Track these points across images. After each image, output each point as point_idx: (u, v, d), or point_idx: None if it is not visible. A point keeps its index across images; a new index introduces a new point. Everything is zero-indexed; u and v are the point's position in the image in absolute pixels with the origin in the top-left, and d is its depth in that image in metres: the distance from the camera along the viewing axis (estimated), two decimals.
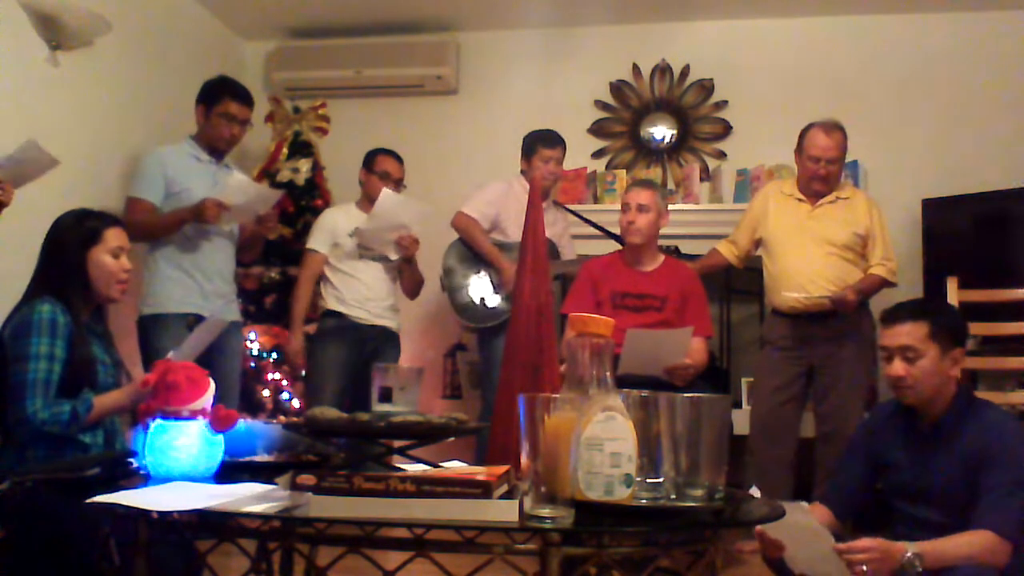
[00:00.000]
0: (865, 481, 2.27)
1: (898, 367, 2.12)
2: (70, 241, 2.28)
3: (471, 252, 3.94)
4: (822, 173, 3.48)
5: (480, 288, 3.90)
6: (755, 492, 1.72)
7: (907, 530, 2.07)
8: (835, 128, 3.50)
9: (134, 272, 2.43)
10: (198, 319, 3.24)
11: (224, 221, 3.39)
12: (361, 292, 3.85)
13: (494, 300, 3.88)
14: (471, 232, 3.91)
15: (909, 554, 1.88)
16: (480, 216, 3.91)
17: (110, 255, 2.30)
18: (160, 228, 3.37)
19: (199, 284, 3.42)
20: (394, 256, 3.86)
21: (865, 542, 1.88)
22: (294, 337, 3.89)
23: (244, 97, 3.54)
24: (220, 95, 3.47)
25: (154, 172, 3.40)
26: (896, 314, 2.18)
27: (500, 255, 3.86)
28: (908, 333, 2.12)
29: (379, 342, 3.87)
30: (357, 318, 3.84)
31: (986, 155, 4.33)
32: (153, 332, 3.31)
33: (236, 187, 3.40)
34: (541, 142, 3.91)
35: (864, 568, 1.86)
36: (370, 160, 3.96)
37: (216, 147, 3.51)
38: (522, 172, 3.99)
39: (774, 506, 1.58)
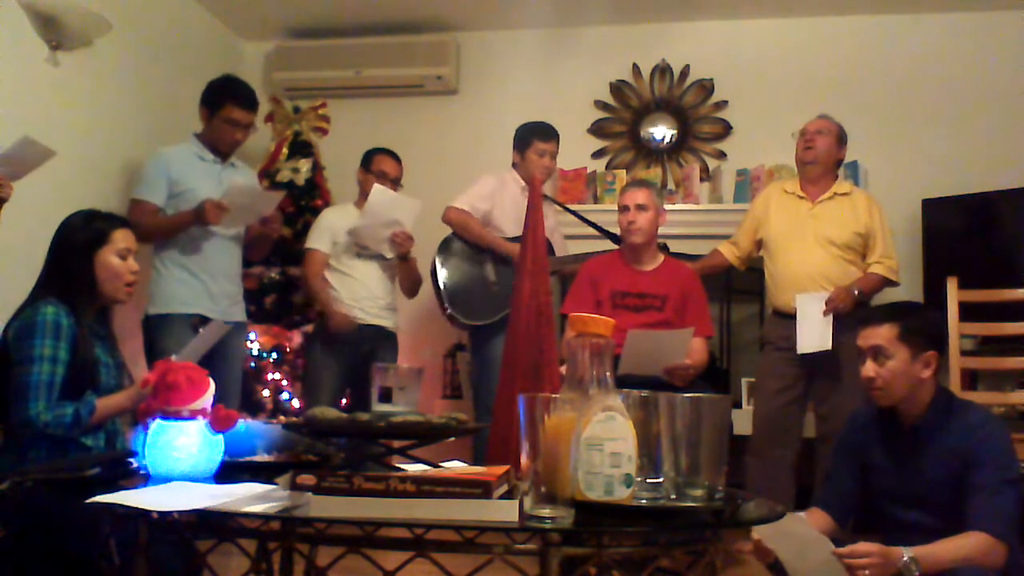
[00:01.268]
0: (859, 482, 2.27)
1: (868, 368, 2.14)
2: (78, 242, 2.28)
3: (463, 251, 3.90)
4: (810, 142, 3.55)
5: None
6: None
7: (899, 534, 2.06)
8: (828, 116, 3.62)
9: (141, 273, 2.43)
10: (203, 320, 3.24)
11: (226, 223, 3.39)
12: (358, 291, 3.84)
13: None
14: (465, 223, 3.86)
15: (906, 558, 1.88)
16: (472, 210, 3.87)
17: (117, 256, 2.30)
18: (164, 230, 3.37)
19: (205, 285, 3.41)
20: (390, 254, 3.85)
21: (865, 547, 1.88)
22: (335, 312, 3.75)
23: (248, 101, 3.50)
24: (223, 100, 3.44)
25: (157, 174, 3.39)
26: (869, 316, 2.21)
27: (501, 240, 3.83)
28: (879, 334, 2.13)
29: (376, 342, 3.85)
30: (354, 318, 3.82)
31: (986, 155, 4.33)
32: (159, 332, 3.30)
33: (237, 189, 3.39)
34: (535, 135, 3.89)
35: (867, 573, 1.86)
36: (367, 160, 3.96)
37: (219, 148, 3.51)
38: (514, 165, 3.97)
39: (773, 506, 1.58)
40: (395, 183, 3.91)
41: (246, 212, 3.43)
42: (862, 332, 2.19)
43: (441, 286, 3.86)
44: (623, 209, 3.50)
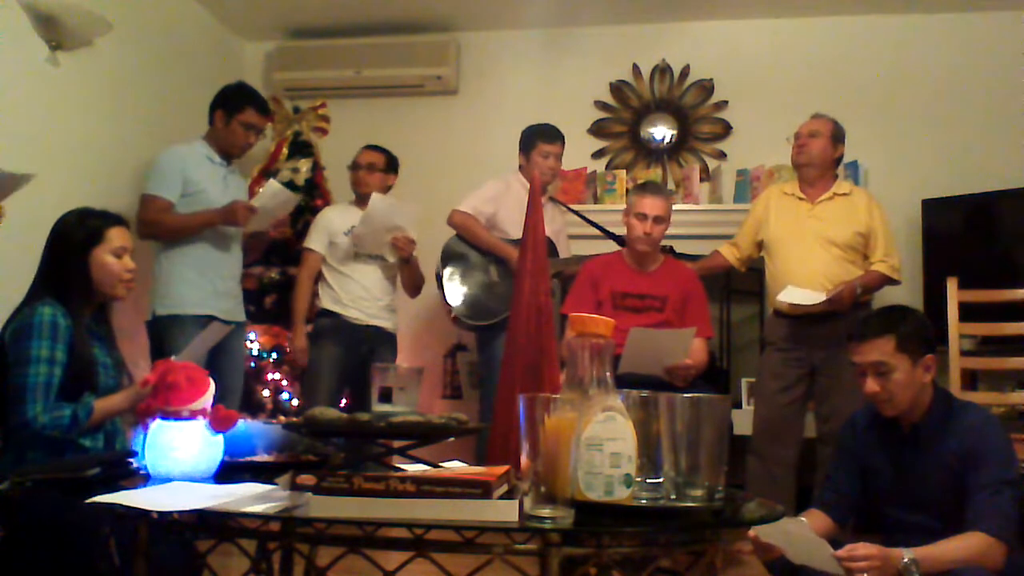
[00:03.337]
0: (859, 483, 2.26)
1: (872, 384, 2.13)
2: (72, 241, 2.27)
3: (463, 254, 3.91)
4: (802, 145, 3.56)
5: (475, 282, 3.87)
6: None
7: (900, 536, 2.06)
8: (822, 114, 3.62)
9: (142, 271, 2.42)
10: (215, 321, 3.24)
11: (252, 225, 3.43)
12: (357, 292, 3.85)
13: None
14: (469, 227, 3.88)
15: (906, 559, 1.88)
16: (476, 213, 3.88)
17: (112, 255, 2.29)
18: (186, 228, 3.37)
19: (214, 285, 3.42)
20: (391, 258, 3.86)
21: (865, 548, 1.88)
22: (297, 336, 3.88)
23: (265, 108, 3.59)
24: (243, 104, 3.49)
25: (173, 170, 3.39)
26: (862, 331, 2.18)
27: (503, 244, 3.83)
28: (876, 349, 2.12)
29: (375, 343, 3.86)
30: (352, 318, 3.83)
31: (986, 155, 4.33)
32: (169, 333, 3.28)
33: (270, 193, 3.48)
34: (540, 137, 3.90)
35: (865, 575, 1.86)
36: (354, 160, 4.00)
37: (229, 152, 3.52)
38: (520, 168, 3.97)
39: (773, 506, 1.58)
40: (387, 170, 3.93)
41: (268, 215, 3.50)
42: (857, 348, 2.16)
43: (445, 288, 3.88)
44: (640, 216, 3.44)
